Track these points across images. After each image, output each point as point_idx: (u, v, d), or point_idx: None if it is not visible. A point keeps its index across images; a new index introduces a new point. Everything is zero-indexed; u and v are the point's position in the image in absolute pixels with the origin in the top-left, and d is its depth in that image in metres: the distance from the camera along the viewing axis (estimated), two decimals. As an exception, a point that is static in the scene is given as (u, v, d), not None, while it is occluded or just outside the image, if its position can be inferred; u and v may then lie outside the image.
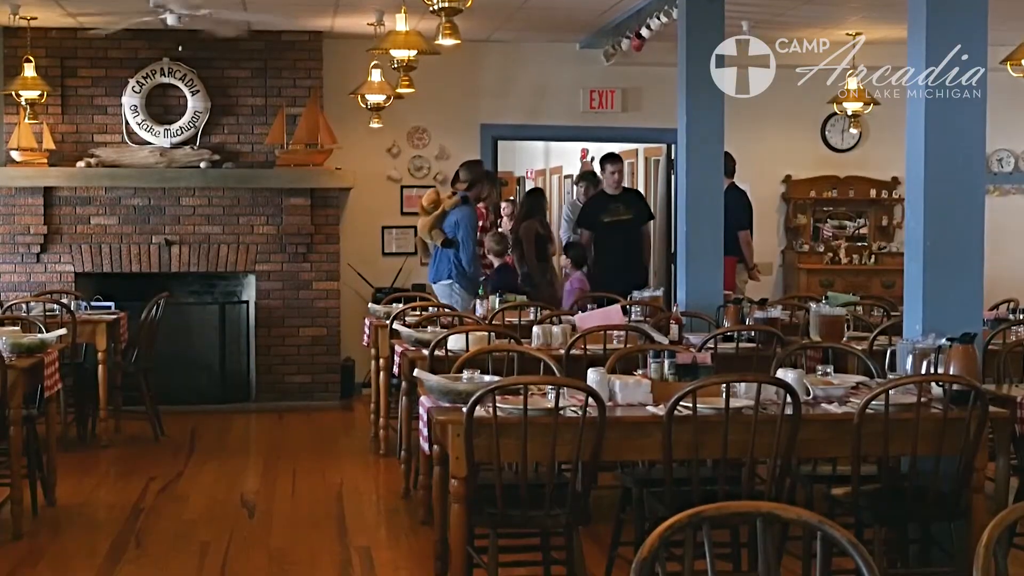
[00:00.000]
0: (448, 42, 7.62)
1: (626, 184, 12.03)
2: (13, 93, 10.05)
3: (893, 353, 5.80)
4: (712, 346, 6.74)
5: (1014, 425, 5.35)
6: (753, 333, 7.27)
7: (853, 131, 12.26)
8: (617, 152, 11.81)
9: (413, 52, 8.44)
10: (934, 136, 5.89)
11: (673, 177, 12.13)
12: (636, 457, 5.45)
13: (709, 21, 8.48)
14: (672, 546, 2.81)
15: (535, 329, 7.39)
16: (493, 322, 8.16)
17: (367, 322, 9.27)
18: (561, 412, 4.75)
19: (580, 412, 4.72)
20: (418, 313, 8.61)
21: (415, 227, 11.29)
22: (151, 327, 9.55)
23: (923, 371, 5.42)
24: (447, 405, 5.04)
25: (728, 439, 4.75)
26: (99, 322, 9.10)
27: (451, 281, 10.30)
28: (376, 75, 9.96)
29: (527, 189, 15.30)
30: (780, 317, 8.27)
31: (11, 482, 6.64)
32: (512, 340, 6.77)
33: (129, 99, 11.09)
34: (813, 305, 7.86)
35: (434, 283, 10.53)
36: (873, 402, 4.84)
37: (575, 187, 12.26)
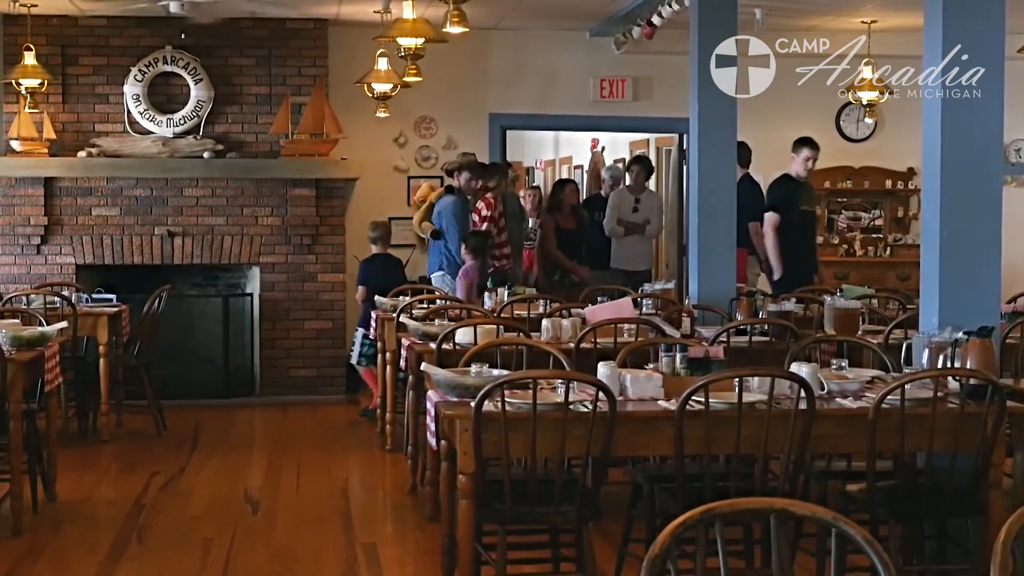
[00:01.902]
0: (456, 30, 7.55)
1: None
2: (13, 82, 9.95)
3: (909, 347, 5.79)
4: (725, 340, 6.71)
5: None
6: (766, 327, 7.22)
7: (868, 121, 12.16)
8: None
9: (420, 40, 8.31)
10: (950, 128, 5.85)
11: (685, 167, 12.02)
12: (647, 453, 5.45)
13: (722, 8, 8.40)
14: (684, 543, 2.78)
15: (544, 322, 7.32)
16: (502, 315, 8.09)
17: (373, 315, 9.18)
18: (571, 407, 4.69)
19: (590, 407, 4.67)
20: (425, 306, 8.54)
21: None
22: (153, 320, 9.49)
23: (939, 365, 5.37)
24: (455, 399, 4.99)
25: (741, 434, 4.71)
26: (100, 315, 9.05)
27: (443, 272, 10.23)
28: (383, 63, 9.87)
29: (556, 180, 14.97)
30: (794, 310, 8.25)
31: (11, 478, 6.61)
32: (521, 333, 6.72)
33: (131, 88, 11.01)
34: (827, 298, 7.81)
35: (430, 275, 10.47)
36: (888, 397, 4.78)
37: (626, 174, 12.05)
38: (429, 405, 5.27)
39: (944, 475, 4.92)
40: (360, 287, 10.06)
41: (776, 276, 10.07)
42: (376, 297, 9.29)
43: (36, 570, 6.15)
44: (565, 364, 5.62)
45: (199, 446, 9.21)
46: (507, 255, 11.04)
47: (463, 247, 9.88)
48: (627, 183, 11.82)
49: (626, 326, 7.04)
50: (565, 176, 16.71)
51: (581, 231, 11.48)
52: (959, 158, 5.82)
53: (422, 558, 6.26)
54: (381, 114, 10.68)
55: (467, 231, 10.09)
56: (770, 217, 10.22)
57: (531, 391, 4.66)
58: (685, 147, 12.02)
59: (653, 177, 13.53)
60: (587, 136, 15.92)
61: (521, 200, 12.22)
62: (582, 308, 8.05)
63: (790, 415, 4.72)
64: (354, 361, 10.21)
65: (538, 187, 15.16)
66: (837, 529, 2.64)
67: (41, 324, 7.44)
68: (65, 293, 9.16)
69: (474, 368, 5.18)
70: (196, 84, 11.07)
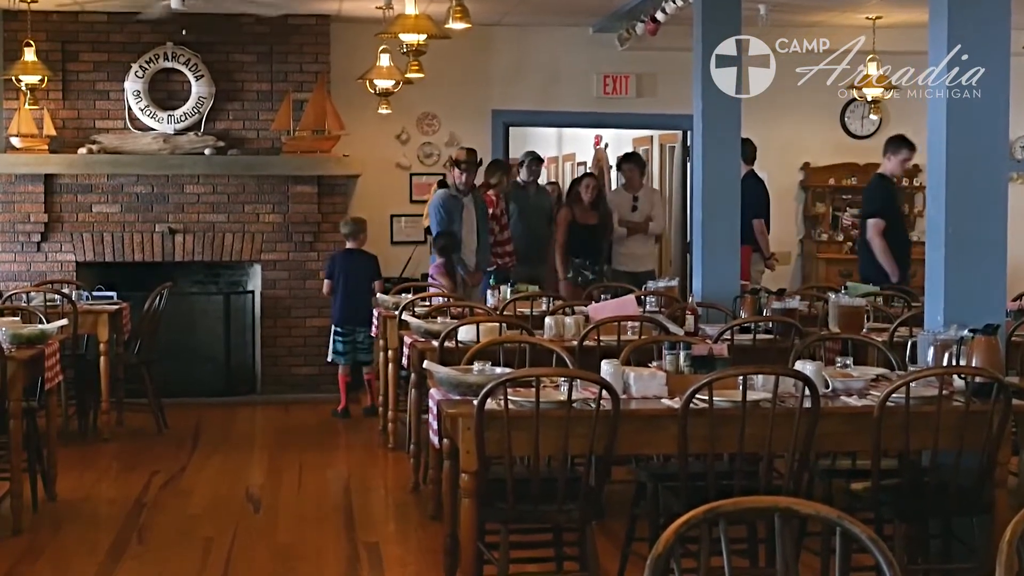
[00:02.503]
0: (459, 26, 7.51)
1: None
2: (13, 78, 9.89)
3: (914, 345, 5.76)
4: (729, 337, 6.66)
5: (1038, 418, 5.25)
6: (771, 324, 7.19)
7: (873, 117, 12.12)
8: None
9: (423, 36, 8.27)
10: (955, 126, 5.85)
11: (689, 164, 11.98)
12: (651, 451, 5.45)
13: (726, 4, 8.37)
14: (688, 542, 2.76)
15: (547, 320, 7.30)
16: (504, 313, 8.06)
17: (375, 312, 9.15)
18: (574, 405, 4.67)
19: (593, 405, 4.65)
20: (427, 303, 8.51)
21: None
22: (154, 318, 9.46)
23: (945, 363, 5.36)
24: (457, 398, 4.97)
25: (745, 433, 4.69)
26: (101, 312, 9.01)
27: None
28: (385, 60, 9.82)
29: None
30: (798, 308, 8.20)
31: (11, 476, 6.58)
32: (524, 331, 6.69)
33: (132, 84, 10.97)
34: (832, 295, 7.77)
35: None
36: (893, 395, 4.76)
37: (619, 174, 11.96)
38: (431, 403, 5.23)
39: (949, 474, 4.90)
40: (325, 280, 10.08)
41: (894, 279, 9.79)
42: (377, 294, 9.25)
43: (36, 569, 6.12)
44: (568, 362, 5.59)
45: (200, 445, 9.18)
46: (509, 252, 10.99)
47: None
48: (621, 183, 11.73)
49: (630, 324, 7.00)
50: (569, 173, 16.68)
51: (604, 227, 11.20)
52: (964, 155, 5.81)
53: (424, 557, 6.23)
54: (383, 111, 10.63)
55: (443, 228, 10.06)
56: (876, 223, 9.77)
57: (534, 389, 4.64)
58: (689, 143, 11.97)
59: (656, 175, 13.51)
60: (590, 133, 15.86)
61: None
62: (585, 306, 8.02)
63: (794, 413, 4.70)
64: (329, 359, 10.22)
65: (556, 183, 15.08)
66: (842, 528, 2.63)
67: (41, 322, 7.42)
68: (65, 290, 9.15)
69: (477, 366, 5.16)
70: (197, 80, 11.03)
